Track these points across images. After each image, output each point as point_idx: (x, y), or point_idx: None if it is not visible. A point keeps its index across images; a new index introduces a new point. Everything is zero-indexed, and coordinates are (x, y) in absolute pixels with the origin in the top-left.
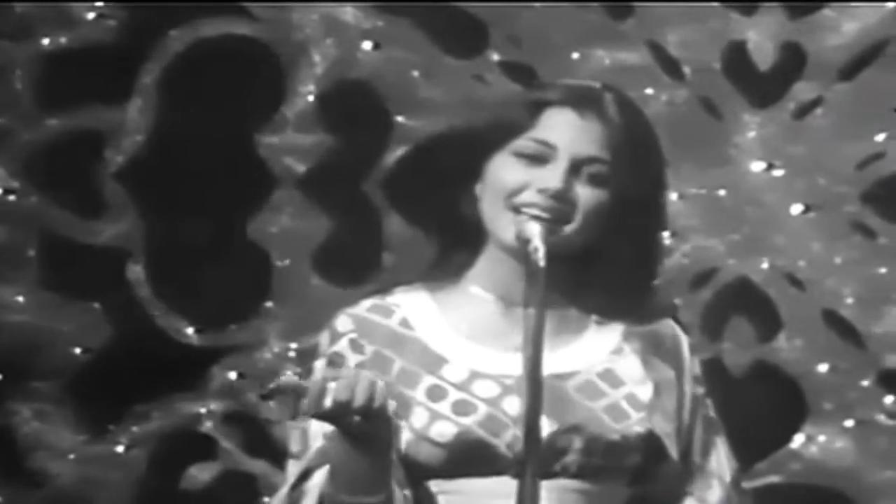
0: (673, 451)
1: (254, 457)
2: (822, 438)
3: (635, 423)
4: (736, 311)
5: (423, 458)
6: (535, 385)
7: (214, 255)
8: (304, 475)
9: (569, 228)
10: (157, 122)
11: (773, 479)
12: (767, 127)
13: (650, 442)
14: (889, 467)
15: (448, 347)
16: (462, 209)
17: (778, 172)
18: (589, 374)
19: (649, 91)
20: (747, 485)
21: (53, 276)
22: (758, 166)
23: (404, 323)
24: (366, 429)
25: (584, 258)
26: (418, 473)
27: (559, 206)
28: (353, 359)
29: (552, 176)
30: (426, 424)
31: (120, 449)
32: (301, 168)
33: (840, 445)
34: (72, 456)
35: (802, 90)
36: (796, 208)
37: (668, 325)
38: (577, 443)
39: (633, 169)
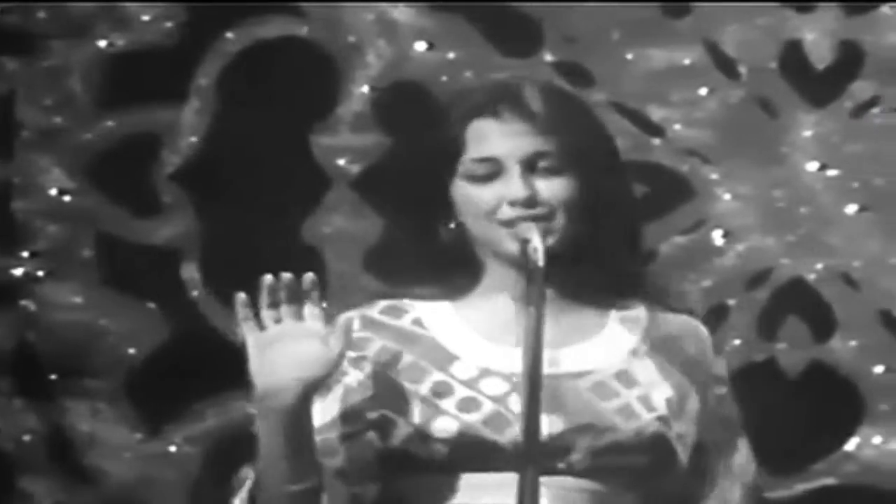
0: (683, 455)
1: None
2: (877, 440)
3: (646, 425)
4: (791, 312)
5: (424, 453)
6: (534, 384)
7: (269, 255)
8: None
9: (558, 224)
10: (212, 123)
11: (829, 480)
12: (824, 126)
13: (659, 444)
14: None
15: (461, 345)
16: (442, 238)
17: (833, 172)
18: (604, 375)
19: (704, 90)
20: (803, 486)
21: (109, 276)
22: (813, 166)
23: (417, 322)
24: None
25: (584, 248)
26: (416, 469)
27: (536, 211)
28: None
29: (513, 186)
30: (428, 420)
31: (174, 448)
32: (355, 169)
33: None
34: (127, 454)
35: (859, 89)
36: (852, 208)
37: (690, 325)
38: (584, 441)
39: (581, 147)
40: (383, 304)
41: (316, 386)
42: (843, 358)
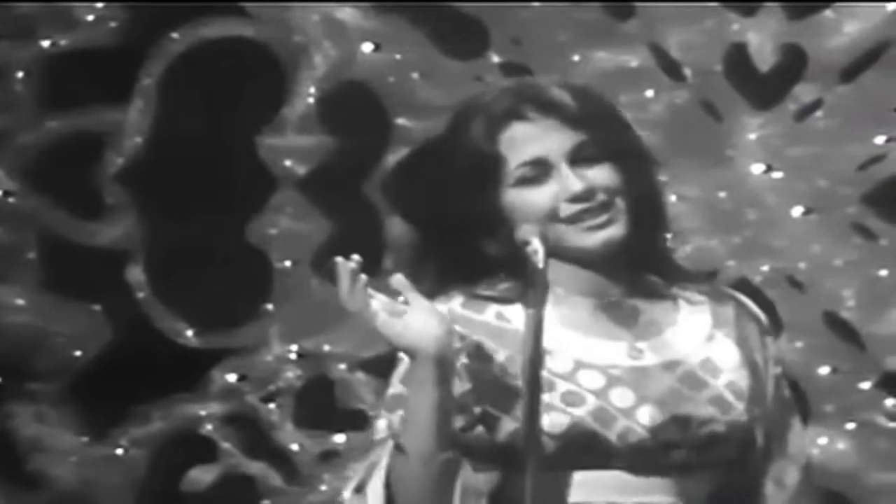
0: (760, 437)
1: (254, 459)
2: (822, 441)
3: (739, 414)
4: None
5: None
6: (534, 386)
7: (215, 256)
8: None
9: (620, 210)
10: (157, 123)
11: None
12: (768, 129)
13: (747, 433)
14: (890, 469)
15: (549, 338)
16: (489, 251)
17: (777, 174)
18: (689, 364)
19: (650, 93)
20: None
21: (53, 278)
22: (758, 168)
23: (500, 316)
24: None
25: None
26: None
27: (595, 202)
28: None
29: (567, 182)
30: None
31: (120, 451)
32: (301, 170)
33: (841, 448)
34: (72, 458)
35: (803, 92)
36: (797, 210)
37: (750, 307)
38: (684, 434)
39: (612, 136)
40: (462, 297)
41: (454, 332)
42: (789, 359)
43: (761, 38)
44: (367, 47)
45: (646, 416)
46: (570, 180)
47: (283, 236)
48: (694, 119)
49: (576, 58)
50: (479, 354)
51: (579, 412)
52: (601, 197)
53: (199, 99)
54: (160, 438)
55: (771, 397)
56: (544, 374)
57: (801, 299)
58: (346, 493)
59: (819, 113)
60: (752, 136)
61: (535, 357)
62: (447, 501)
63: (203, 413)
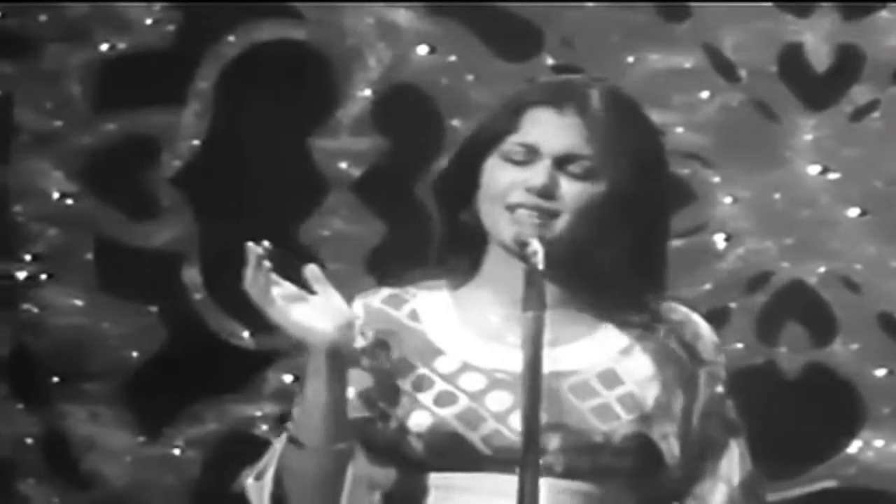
0: (673, 452)
1: None
2: (878, 443)
3: (623, 425)
4: (791, 315)
5: (405, 448)
6: (534, 389)
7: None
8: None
9: (559, 225)
10: (212, 126)
11: (829, 483)
12: (823, 130)
13: (640, 445)
14: None
15: (448, 340)
16: (461, 216)
17: (833, 175)
18: (588, 374)
19: (705, 94)
20: (803, 490)
21: (109, 280)
22: (813, 169)
23: (412, 315)
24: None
25: (590, 256)
26: (405, 464)
27: (546, 204)
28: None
29: (537, 175)
30: (406, 414)
31: (175, 451)
32: (355, 172)
33: None
34: (127, 458)
35: (859, 93)
36: (852, 211)
37: (692, 323)
38: (556, 441)
39: (622, 159)
40: (387, 292)
41: (354, 326)
42: (844, 361)
43: (817, 39)
44: (422, 49)
45: (515, 420)
46: (538, 173)
47: (336, 238)
48: (749, 120)
49: (630, 59)
50: (378, 352)
51: (444, 412)
52: (551, 203)
53: (254, 101)
54: (215, 439)
55: (699, 417)
56: (426, 372)
57: (856, 301)
58: (249, 480)
59: (875, 114)
60: (808, 137)
61: (535, 360)
62: (335, 491)
63: (257, 414)
